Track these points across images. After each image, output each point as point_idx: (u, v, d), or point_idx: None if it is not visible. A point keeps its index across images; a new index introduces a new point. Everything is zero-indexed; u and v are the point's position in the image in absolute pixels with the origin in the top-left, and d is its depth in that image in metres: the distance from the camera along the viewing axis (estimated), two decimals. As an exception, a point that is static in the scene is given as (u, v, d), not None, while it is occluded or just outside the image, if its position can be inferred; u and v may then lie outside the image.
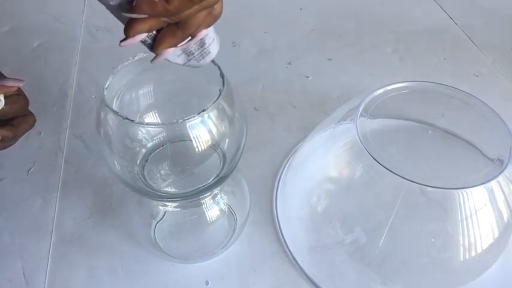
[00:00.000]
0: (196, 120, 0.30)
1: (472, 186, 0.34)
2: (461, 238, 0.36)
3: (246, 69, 0.64)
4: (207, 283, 0.40)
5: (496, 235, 0.37)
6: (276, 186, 0.48)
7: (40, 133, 0.54)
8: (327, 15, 0.76)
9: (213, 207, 0.41)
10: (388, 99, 0.42)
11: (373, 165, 0.36)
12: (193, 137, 0.32)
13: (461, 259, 0.37)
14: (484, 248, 0.37)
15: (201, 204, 0.40)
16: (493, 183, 0.35)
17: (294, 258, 0.42)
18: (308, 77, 0.63)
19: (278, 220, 0.45)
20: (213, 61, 0.32)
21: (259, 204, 0.46)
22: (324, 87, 0.61)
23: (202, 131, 0.32)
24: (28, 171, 0.50)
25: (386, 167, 0.35)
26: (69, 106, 0.58)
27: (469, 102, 0.41)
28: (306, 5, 0.78)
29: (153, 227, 0.41)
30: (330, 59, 0.66)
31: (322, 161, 0.44)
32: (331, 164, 0.42)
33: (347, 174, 0.41)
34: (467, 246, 0.36)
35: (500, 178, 0.35)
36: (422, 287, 0.40)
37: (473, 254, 0.37)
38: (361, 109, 0.40)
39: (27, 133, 0.35)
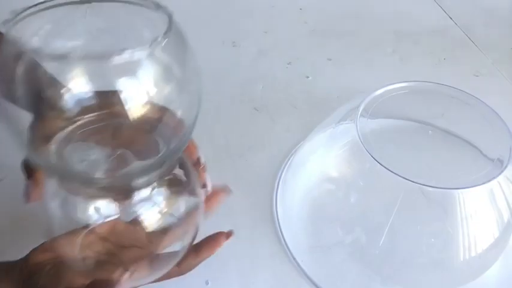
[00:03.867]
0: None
1: (472, 186, 0.34)
2: (461, 238, 0.36)
3: (246, 69, 0.64)
4: (207, 283, 0.40)
5: (496, 235, 0.37)
6: (276, 186, 0.48)
7: (40, 133, 0.54)
8: (327, 15, 0.76)
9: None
10: (388, 99, 0.42)
11: (373, 165, 0.36)
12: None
13: (461, 259, 0.37)
14: (484, 248, 0.37)
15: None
16: (493, 183, 0.35)
17: (294, 258, 0.42)
18: (308, 77, 0.63)
19: (278, 220, 0.45)
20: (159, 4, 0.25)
21: (259, 204, 0.46)
22: (324, 87, 0.61)
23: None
24: (28, 171, 0.50)
25: (386, 167, 0.35)
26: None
27: (469, 102, 0.41)
28: (306, 5, 0.78)
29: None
30: (330, 59, 0.66)
31: (322, 161, 0.44)
32: (331, 164, 0.42)
33: (347, 174, 0.41)
34: (467, 246, 0.36)
35: (500, 178, 0.35)
36: (422, 287, 0.40)
37: (473, 254, 0.37)
38: (361, 109, 0.40)
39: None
